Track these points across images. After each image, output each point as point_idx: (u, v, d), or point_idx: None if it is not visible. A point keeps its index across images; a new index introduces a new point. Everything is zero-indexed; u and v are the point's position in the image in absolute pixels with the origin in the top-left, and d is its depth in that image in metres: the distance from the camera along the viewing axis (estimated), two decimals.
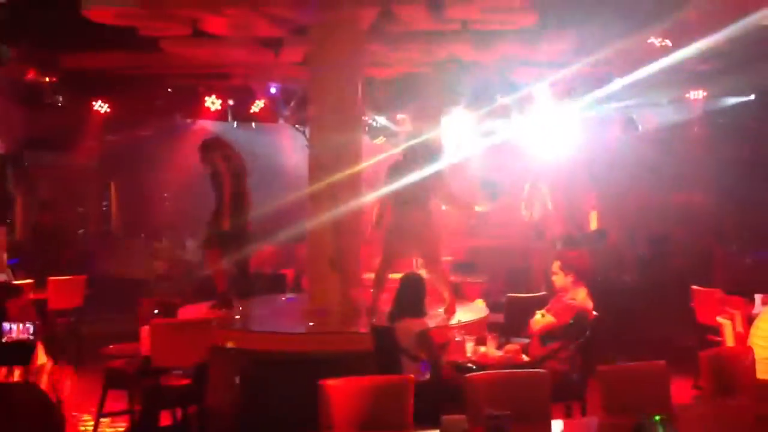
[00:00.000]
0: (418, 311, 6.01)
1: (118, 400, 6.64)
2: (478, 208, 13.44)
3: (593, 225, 14.51)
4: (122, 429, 6.82)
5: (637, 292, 11.45)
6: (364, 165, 8.42)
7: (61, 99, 11.98)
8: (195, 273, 12.32)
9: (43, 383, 4.36)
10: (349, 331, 7.19)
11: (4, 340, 4.02)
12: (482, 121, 13.20)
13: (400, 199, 7.68)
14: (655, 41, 9.38)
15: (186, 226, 14.97)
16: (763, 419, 4.07)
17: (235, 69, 11.61)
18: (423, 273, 7.54)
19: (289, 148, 14.70)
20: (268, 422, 6.24)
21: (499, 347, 5.96)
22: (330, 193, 7.69)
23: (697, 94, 13.10)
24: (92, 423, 6.57)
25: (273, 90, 12.84)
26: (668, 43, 9.41)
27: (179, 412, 6.58)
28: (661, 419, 3.25)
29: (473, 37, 9.29)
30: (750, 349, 5.29)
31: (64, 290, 9.55)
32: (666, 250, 12.40)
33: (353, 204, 7.85)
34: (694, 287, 8.68)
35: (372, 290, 7.81)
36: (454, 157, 12.20)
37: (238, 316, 7.86)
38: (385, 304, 6.82)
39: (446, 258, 9.27)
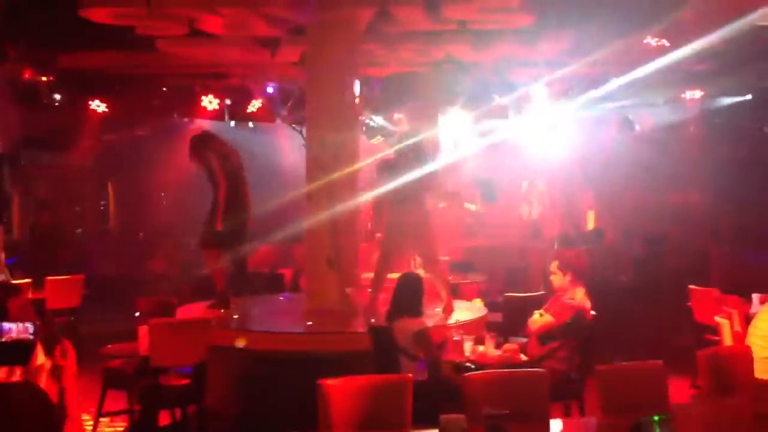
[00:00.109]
0: (416, 311, 6.01)
1: (117, 400, 6.65)
2: (474, 208, 13.50)
3: (590, 225, 14.53)
4: (121, 429, 6.83)
5: (634, 291, 11.48)
6: (361, 164, 8.43)
7: (58, 98, 11.96)
8: (193, 272, 12.32)
9: (43, 383, 4.36)
10: (348, 330, 7.20)
11: (3, 340, 4.02)
12: (479, 121, 13.24)
13: (397, 198, 7.68)
14: (652, 41, 9.39)
15: (184, 225, 14.97)
16: (761, 418, 4.08)
17: (232, 68, 11.62)
18: (421, 272, 7.55)
19: (287, 147, 14.70)
20: (266, 422, 6.24)
21: (498, 347, 5.97)
22: (328, 192, 7.69)
23: (694, 94, 13.12)
24: (91, 423, 6.56)
25: (270, 90, 12.85)
26: (665, 43, 9.42)
27: (178, 412, 6.59)
28: (659, 419, 3.26)
29: (471, 38, 9.31)
30: (748, 349, 5.30)
31: (61, 290, 9.54)
32: (663, 249, 12.42)
33: (351, 203, 7.86)
34: (691, 287, 8.69)
35: (370, 290, 7.82)
36: (451, 156, 12.22)
37: (236, 316, 7.86)
38: (384, 303, 6.82)
39: (444, 258, 9.28)
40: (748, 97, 13.30)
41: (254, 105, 13.11)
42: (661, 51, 9.58)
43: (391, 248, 7.89)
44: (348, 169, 7.84)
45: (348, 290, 7.74)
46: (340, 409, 4.25)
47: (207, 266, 8.26)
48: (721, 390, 4.71)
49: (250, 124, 14.64)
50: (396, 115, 13.66)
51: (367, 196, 8.69)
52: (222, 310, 7.86)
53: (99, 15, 8.05)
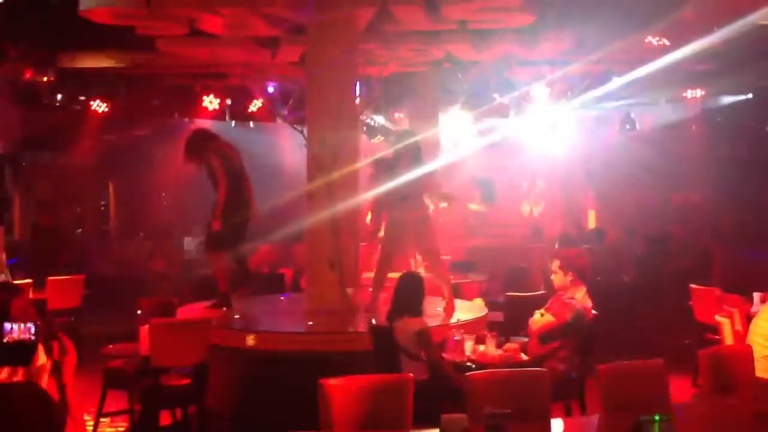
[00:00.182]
0: (417, 310, 6.00)
1: (117, 400, 6.65)
2: (474, 207, 13.52)
3: (591, 224, 14.53)
4: (122, 429, 6.82)
5: (635, 291, 11.46)
6: (362, 164, 8.43)
7: (58, 99, 11.97)
8: (193, 272, 12.34)
9: (44, 383, 4.35)
10: (348, 330, 7.20)
11: (5, 340, 4.02)
12: (480, 120, 13.25)
13: (398, 196, 7.68)
14: (653, 41, 9.39)
15: (184, 225, 15.00)
16: (762, 417, 4.08)
17: (232, 68, 11.62)
18: (422, 271, 7.56)
19: (287, 147, 14.69)
20: (267, 422, 6.24)
21: (499, 346, 5.96)
22: (328, 192, 7.69)
23: (695, 93, 13.13)
24: (92, 423, 6.56)
25: (270, 89, 12.85)
26: (666, 42, 9.42)
27: (179, 412, 6.59)
28: (660, 418, 3.25)
29: (471, 37, 9.31)
30: (749, 348, 5.30)
31: (62, 290, 9.53)
32: (664, 248, 12.41)
33: (351, 203, 7.85)
34: (692, 286, 8.68)
35: (371, 289, 7.82)
36: (451, 156, 12.24)
37: (237, 316, 7.86)
38: (384, 303, 6.82)
39: (445, 257, 9.28)
40: (750, 96, 13.31)
41: (255, 105, 13.12)
42: (662, 50, 9.58)
43: (392, 247, 7.89)
44: (348, 169, 7.83)
45: (349, 290, 7.73)
46: (341, 408, 4.24)
47: (212, 267, 8.24)
48: (722, 389, 4.71)
49: (251, 124, 14.65)
50: (396, 115, 13.68)
51: (367, 196, 8.69)
52: (223, 308, 7.86)
53: (99, 15, 8.05)
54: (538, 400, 4.42)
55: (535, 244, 12.55)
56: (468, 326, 6.75)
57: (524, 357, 5.88)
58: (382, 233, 8.38)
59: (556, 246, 10.41)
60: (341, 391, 4.27)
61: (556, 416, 4.74)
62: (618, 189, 14.12)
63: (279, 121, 13.74)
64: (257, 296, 8.98)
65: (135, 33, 8.73)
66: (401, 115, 13.76)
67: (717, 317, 7.62)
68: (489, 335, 6.10)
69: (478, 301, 8.47)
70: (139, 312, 7.18)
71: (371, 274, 8.09)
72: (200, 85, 12.77)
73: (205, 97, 12.79)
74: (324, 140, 7.76)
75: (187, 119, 14.58)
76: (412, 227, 7.72)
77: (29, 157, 14.41)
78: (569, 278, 6.26)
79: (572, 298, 6.19)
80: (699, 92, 13.11)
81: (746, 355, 5.14)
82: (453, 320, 7.22)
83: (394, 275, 6.85)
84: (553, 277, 6.40)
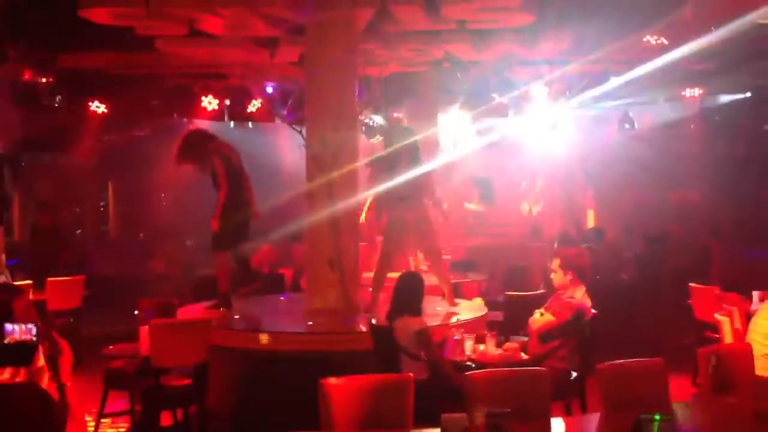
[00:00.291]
0: (417, 310, 6.02)
1: (118, 401, 6.66)
2: (472, 207, 13.52)
3: (590, 223, 14.55)
4: (123, 429, 6.83)
5: (634, 289, 11.47)
6: (361, 164, 8.43)
7: (58, 99, 11.97)
8: (193, 272, 12.34)
9: (45, 384, 4.37)
10: (348, 330, 7.21)
11: (7, 341, 4.04)
12: (479, 120, 13.25)
13: (397, 195, 7.69)
14: (652, 40, 9.40)
15: (184, 225, 14.99)
16: (762, 416, 4.09)
17: (232, 69, 11.62)
18: (423, 268, 7.57)
19: (287, 147, 14.70)
20: (267, 422, 6.25)
21: (498, 346, 5.97)
22: (328, 191, 7.70)
23: (693, 92, 13.14)
24: (93, 423, 6.57)
25: (270, 89, 12.85)
26: (664, 41, 9.44)
27: (179, 412, 6.60)
28: (660, 417, 3.27)
29: (471, 37, 9.31)
30: (748, 346, 5.31)
31: (62, 291, 9.54)
32: (663, 247, 12.43)
33: (351, 203, 7.87)
34: (692, 284, 8.70)
35: (371, 289, 7.83)
36: (450, 155, 12.24)
37: (237, 316, 7.87)
38: (384, 303, 6.84)
39: (445, 256, 9.29)
40: (748, 94, 13.33)
41: (254, 105, 13.11)
42: (661, 49, 9.59)
43: (392, 246, 7.90)
44: (348, 169, 7.84)
45: (349, 290, 7.74)
46: (342, 408, 4.25)
47: (217, 267, 8.24)
48: (721, 388, 4.72)
49: (250, 124, 14.64)
50: (396, 114, 13.68)
51: (367, 195, 8.70)
52: (223, 308, 7.87)
53: (99, 15, 8.05)
54: (538, 400, 4.43)
55: (535, 244, 12.57)
56: (468, 326, 6.76)
57: (524, 356, 5.89)
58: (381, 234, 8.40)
59: (556, 245, 10.42)
60: (341, 390, 4.28)
61: (556, 415, 4.75)
62: (617, 188, 14.13)
63: (278, 121, 13.75)
64: (257, 296, 8.99)
65: (135, 33, 8.73)
66: (400, 114, 13.76)
67: (716, 316, 7.63)
68: (489, 335, 6.11)
69: (478, 301, 8.48)
70: (139, 312, 7.19)
71: (371, 274, 8.10)
72: (199, 86, 12.76)
73: (204, 98, 12.78)
74: (324, 140, 7.77)
75: (186, 119, 14.57)
76: (412, 227, 7.74)
77: (29, 158, 14.41)
78: (569, 277, 6.27)
79: (572, 297, 6.21)
80: (697, 91, 13.12)
81: (746, 353, 5.15)
82: (453, 320, 7.24)
83: (394, 275, 6.87)
84: (552, 276, 6.41)
